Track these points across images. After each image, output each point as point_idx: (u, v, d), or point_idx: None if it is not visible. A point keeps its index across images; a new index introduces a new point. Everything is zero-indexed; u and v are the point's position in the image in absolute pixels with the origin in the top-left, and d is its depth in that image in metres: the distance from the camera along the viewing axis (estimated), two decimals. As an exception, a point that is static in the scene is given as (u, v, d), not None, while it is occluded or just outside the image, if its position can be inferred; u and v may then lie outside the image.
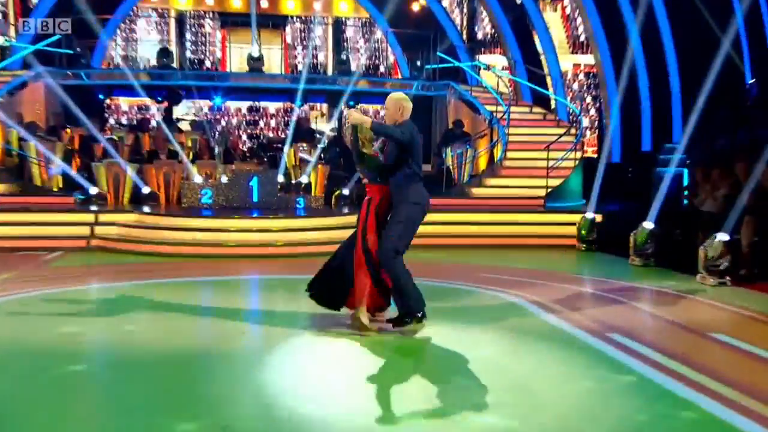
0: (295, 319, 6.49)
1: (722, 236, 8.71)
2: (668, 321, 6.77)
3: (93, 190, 13.13)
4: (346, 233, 10.75)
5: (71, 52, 16.96)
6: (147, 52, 19.35)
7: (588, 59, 19.46)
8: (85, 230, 11.33)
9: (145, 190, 13.12)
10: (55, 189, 13.83)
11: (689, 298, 7.93)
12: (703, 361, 5.34)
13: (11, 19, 17.88)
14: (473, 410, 4.24)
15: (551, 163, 13.60)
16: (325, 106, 20.12)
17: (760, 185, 9.30)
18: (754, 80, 16.60)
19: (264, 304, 7.99)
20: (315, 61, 20.22)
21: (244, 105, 19.97)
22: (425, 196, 5.92)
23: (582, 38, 19.69)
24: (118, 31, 19.65)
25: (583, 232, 11.61)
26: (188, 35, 20.15)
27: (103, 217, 11.59)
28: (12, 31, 17.48)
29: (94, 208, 12.25)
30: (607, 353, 5.52)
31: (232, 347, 5.62)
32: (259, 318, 6.95)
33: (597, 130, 18.69)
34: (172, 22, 20.15)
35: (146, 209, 12.13)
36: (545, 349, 5.66)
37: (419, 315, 5.89)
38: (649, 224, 10.24)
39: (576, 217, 12.00)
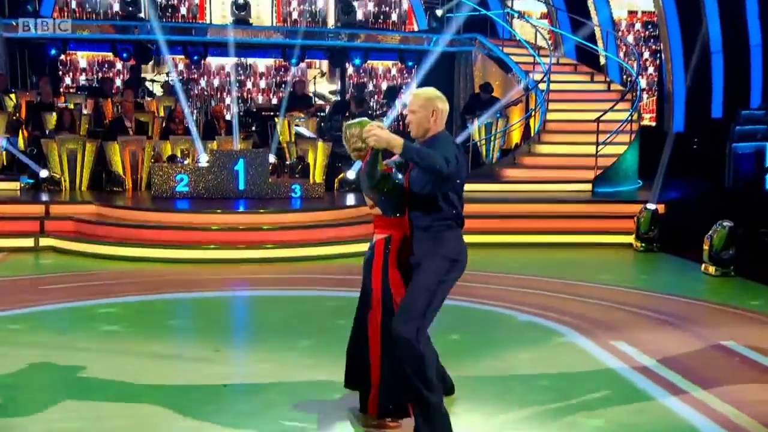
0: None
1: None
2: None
3: (43, 173, 12.75)
4: (353, 231, 10.72)
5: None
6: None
7: (647, 4, 18.79)
8: (33, 225, 11.05)
9: (43, 173, 12.67)
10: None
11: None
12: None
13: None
14: None
15: (602, 138, 13.14)
16: (325, 63, 19.58)
17: None
18: None
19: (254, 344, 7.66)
20: (313, 8, 19.62)
21: (228, 62, 19.44)
22: (464, 250, 4.58)
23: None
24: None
25: (642, 227, 11.16)
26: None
27: (55, 209, 11.40)
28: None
29: (44, 197, 11.97)
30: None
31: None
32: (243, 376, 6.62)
33: (656, 93, 18.10)
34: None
35: (108, 200, 11.78)
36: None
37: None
38: (728, 223, 9.76)
39: (632, 208, 11.58)
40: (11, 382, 5.72)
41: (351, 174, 12.66)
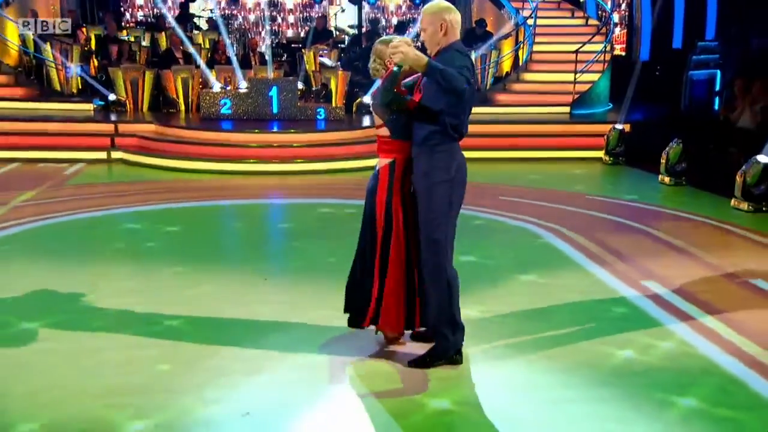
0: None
1: (762, 158, 8.14)
2: (705, 263, 6.36)
3: (111, 97, 12.66)
4: (369, 148, 10.61)
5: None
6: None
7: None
8: (105, 141, 11.01)
9: (111, 97, 12.54)
10: (74, 90, 13.39)
11: (724, 229, 7.49)
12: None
13: None
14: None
15: (579, 67, 12.86)
16: (345, 0, 19.02)
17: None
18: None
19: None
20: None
21: (261, 0, 18.92)
22: (458, 165, 3.95)
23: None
24: None
25: (611, 144, 11.02)
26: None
27: (122, 127, 11.29)
28: None
29: (113, 117, 11.88)
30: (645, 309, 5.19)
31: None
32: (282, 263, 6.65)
33: (626, 27, 17.54)
34: None
35: (165, 120, 11.66)
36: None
37: (457, 353, 4.14)
38: (682, 140, 9.61)
39: (603, 128, 11.41)
40: (98, 270, 5.83)
41: (366, 98, 12.46)
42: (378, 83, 4.00)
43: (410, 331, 4.33)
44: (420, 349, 4.20)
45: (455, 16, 3.88)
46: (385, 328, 4.21)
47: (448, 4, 3.92)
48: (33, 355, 4.29)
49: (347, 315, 4.28)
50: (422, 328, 4.26)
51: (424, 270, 4.00)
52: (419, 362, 4.08)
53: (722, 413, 3.70)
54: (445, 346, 4.07)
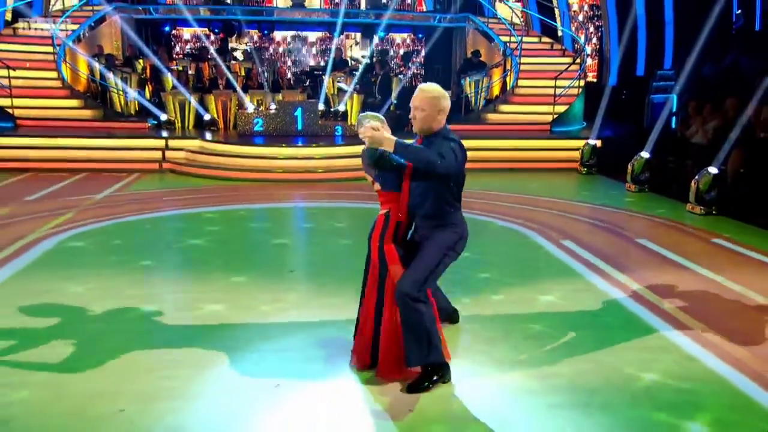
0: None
1: (713, 169, 8.11)
2: (662, 257, 6.34)
3: (163, 117, 12.75)
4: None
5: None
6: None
7: (592, -8, 18.02)
8: (157, 154, 11.06)
9: (206, 117, 12.68)
10: (132, 112, 13.48)
11: (679, 228, 7.46)
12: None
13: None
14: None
15: (558, 91, 12.84)
16: (359, 35, 19.03)
17: (750, 123, 8.59)
18: (740, 11, 15.30)
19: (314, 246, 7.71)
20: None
21: (288, 35, 18.95)
22: (467, 228, 3.69)
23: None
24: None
25: (585, 157, 10.99)
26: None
27: (172, 143, 11.31)
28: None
29: (164, 133, 11.92)
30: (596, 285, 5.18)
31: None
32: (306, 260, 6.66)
33: (598, 57, 17.49)
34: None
35: (208, 136, 11.70)
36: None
37: (445, 373, 3.63)
38: (645, 154, 9.60)
39: (579, 143, 11.39)
40: (148, 264, 5.84)
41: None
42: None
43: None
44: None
45: (449, 104, 3.59)
46: (384, 375, 3.64)
47: (445, 92, 3.60)
48: (101, 333, 4.32)
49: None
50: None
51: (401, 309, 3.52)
52: (411, 387, 3.55)
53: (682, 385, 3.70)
54: (426, 376, 3.57)
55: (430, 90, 3.56)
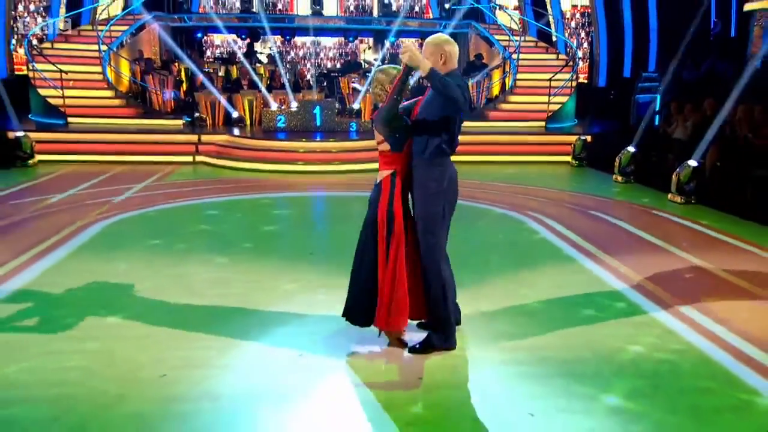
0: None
1: (692, 163, 8.04)
2: (646, 241, 6.31)
3: (196, 114, 12.75)
4: None
5: (176, -1, 16.20)
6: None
7: (584, 1, 17.75)
8: (191, 148, 11.07)
9: (234, 114, 12.68)
10: (168, 110, 13.51)
11: (661, 216, 7.41)
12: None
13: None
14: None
15: (552, 91, 12.73)
16: (371, 39, 18.95)
17: (727, 121, 8.49)
18: (717, 19, 15.12)
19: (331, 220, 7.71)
20: (363, 4, 18.83)
21: (308, 40, 18.89)
22: (450, 178, 3.53)
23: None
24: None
25: (576, 151, 10.92)
26: (264, -16, 18.90)
27: (204, 138, 11.29)
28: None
29: (197, 130, 11.92)
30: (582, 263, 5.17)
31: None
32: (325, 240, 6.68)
33: (588, 60, 17.30)
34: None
35: (236, 132, 11.72)
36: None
37: (453, 341, 3.68)
38: (631, 148, 9.52)
39: (571, 138, 11.30)
40: (184, 246, 5.88)
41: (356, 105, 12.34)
42: (379, 106, 3.55)
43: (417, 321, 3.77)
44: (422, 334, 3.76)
45: (454, 48, 3.47)
46: (392, 328, 3.59)
47: (448, 36, 3.51)
48: (144, 307, 4.39)
49: (347, 314, 3.70)
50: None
51: (423, 270, 3.56)
52: (416, 349, 3.61)
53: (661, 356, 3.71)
54: (436, 340, 3.64)
55: (431, 39, 3.47)
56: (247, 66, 13.90)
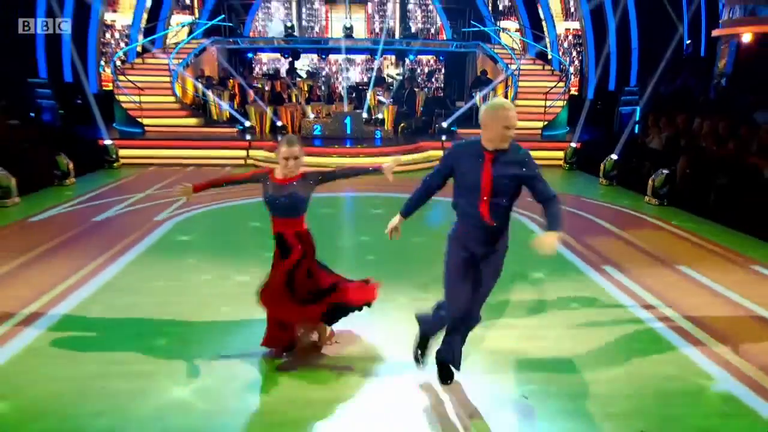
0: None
1: (665, 170, 7.96)
2: (623, 238, 6.31)
3: (247, 124, 12.88)
4: (408, 157, 10.57)
5: (231, 25, 16.26)
6: (277, 24, 18.14)
7: (575, 25, 17.39)
8: (243, 153, 11.20)
9: (279, 124, 12.79)
10: (225, 119, 13.68)
11: (638, 216, 7.38)
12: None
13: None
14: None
15: (548, 102, 12.59)
16: (394, 57, 18.81)
17: (694, 134, 8.37)
18: (690, 41, 14.76)
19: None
20: (387, 27, 18.67)
21: (340, 58, 18.84)
22: (456, 228, 3.06)
23: (572, 9, 17.49)
24: (259, 10, 18.49)
25: (568, 156, 10.83)
26: (303, 11, 18.82)
27: (254, 144, 11.41)
28: (196, 13, 16.84)
29: (248, 137, 12.03)
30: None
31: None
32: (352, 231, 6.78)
33: (579, 75, 16.99)
34: (293, 2, 18.82)
35: (280, 138, 11.80)
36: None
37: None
38: (614, 156, 9.43)
39: (563, 145, 11.21)
40: (244, 239, 5.98)
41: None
42: None
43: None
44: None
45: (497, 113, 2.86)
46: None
47: (497, 103, 2.89)
48: (209, 296, 4.54)
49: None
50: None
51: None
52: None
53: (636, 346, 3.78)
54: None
55: (512, 106, 2.76)
56: (289, 82, 13.97)
